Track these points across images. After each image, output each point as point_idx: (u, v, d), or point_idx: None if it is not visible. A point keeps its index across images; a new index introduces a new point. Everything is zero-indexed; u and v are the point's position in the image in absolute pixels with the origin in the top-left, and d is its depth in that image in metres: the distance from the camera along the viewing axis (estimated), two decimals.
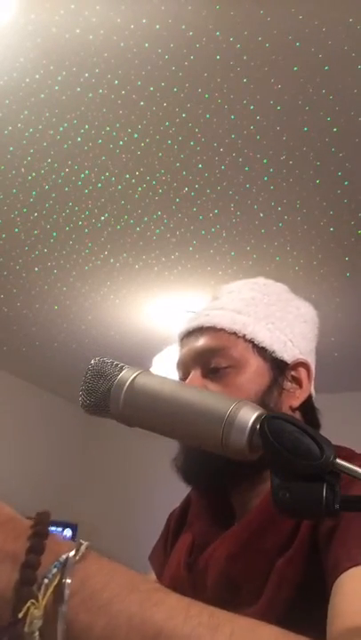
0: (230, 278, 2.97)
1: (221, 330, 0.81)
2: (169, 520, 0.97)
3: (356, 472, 0.46)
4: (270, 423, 0.50)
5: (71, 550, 0.43)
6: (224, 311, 0.83)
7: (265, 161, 2.25)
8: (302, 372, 0.83)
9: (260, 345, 0.81)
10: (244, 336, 0.80)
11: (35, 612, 0.40)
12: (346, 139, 2.12)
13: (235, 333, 0.80)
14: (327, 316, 3.34)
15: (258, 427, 0.51)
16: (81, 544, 0.44)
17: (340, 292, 3.12)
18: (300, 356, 0.84)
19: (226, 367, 0.79)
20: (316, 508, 0.46)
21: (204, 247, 2.82)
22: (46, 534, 0.43)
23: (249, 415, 0.52)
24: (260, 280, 0.89)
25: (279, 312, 0.84)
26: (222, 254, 2.86)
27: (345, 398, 4.41)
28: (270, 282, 0.89)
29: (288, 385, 0.82)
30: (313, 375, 0.84)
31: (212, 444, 0.53)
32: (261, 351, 0.81)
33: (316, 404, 0.87)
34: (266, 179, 2.35)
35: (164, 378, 0.63)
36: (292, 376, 0.83)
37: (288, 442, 0.48)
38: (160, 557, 0.92)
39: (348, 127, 2.06)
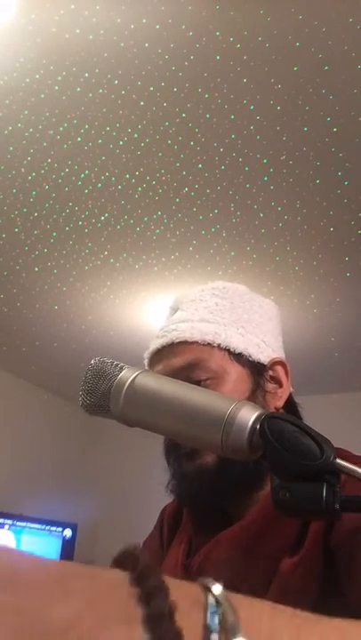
0: (230, 278, 2.97)
1: (194, 343, 0.79)
2: (162, 515, 0.96)
3: (356, 472, 0.46)
4: (270, 423, 0.50)
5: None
6: (192, 323, 0.81)
7: (265, 161, 2.25)
8: (280, 371, 0.83)
9: (236, 351, 0.80)
10: (218, 345, 0.79)
11: None
12: (346, 139, 2.12)
13: (208, 344, 0.79)
14: (327, 315, 3.34)
15: (258, 427, 0.51)
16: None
17: (340, 292, 3.12)
18: (275, 355, 0.83)
19: (206, 379, 0.78)
20: (317, 508, 0.46)
21: (204, 247, 2.82)
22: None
23: (249, 415, 0.52)
24: (219, 284, 0.87)
25: (246, 314, 0.83)
26: (222, 254, 2.86)
27: (345, 398, 4.41)
28: (229, 284, 0.88)
29: (269, 386, 0.81)
30: (290, 372, 0.84)
31: (212, 443, 0.53)
32: (238, 357, 0.80)
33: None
34: (266, 179, 2.34)
35: (164, 377, 0.63)
36: (271, 376, 0.82)
37: (288, 442, 0.48)
38: (156, 553, 0.90)
39: (348, 127, 2.06)
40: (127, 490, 4.82)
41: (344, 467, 0.47)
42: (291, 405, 0.84)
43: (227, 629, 0.28)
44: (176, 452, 0.78)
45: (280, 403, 0.81)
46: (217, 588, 0.30)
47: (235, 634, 0.28)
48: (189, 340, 0.79)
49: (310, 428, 0.49)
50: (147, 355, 0.85)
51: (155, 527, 0.96)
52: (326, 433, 0.50)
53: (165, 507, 0.97)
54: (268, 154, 2.22)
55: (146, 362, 0.85)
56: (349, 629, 0.34)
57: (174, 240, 2.77)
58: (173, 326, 0.82)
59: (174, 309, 0.88)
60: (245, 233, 2.69)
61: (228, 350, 0.79)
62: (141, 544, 0.96)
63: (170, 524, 0.92)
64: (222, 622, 0.28)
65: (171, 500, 0.94)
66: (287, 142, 2.15)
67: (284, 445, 0.48)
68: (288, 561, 0.67)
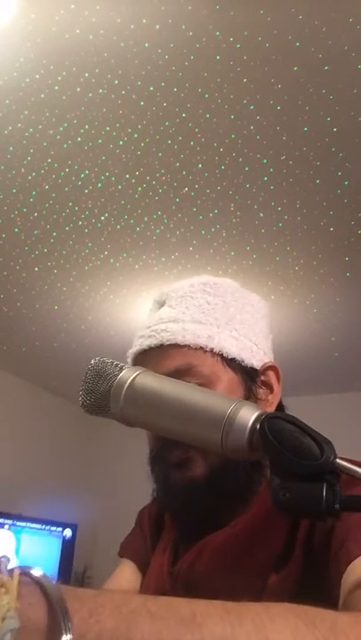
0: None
1: (185, 346, 0.74)
2: (141, 518, 0.93)
3: (356, 472, 0.46)
4: (270, 423, 0.50)
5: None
6: (183, 323, 0.76)
7: (265, 161, 2.25)
8: (272, 376, 0.80)
9: (229, 356, 0.75)
10: (211, 350, 0.75)
11: None
12: (346, 139, 2.12)
13: (201, 348, 0.75)
14: (327, 316, 3.33)
15: (258, 426, 0.51)
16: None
17: (340, 292, 3.12)
18: (266, 359, 0.80)
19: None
20: (317, 508, 0.46)
21: (204, 247, 2.81)
22: None
23: (249, 415, 0.52)
24: (209, 280, 0.82)
25: (239, 314, 0.79)
26: (222, 254, 2.86)
27: (345, 398, 4.41)
28: (220, 280, 0.83)
29: (260, 392, 0.78)
30: (281, 376, 0.80)
31: (212, 443, 0.53)
32: (230, 362, 0.76)
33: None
34: (266, 179, 2.34)
35: (164, 377, 0.63)
36: (263, 381, 0.79)
37: (288, 442, 0.48)
38: (142, 555, 0.88)
39: (348, 127, 2.06)
40: (127, 490, 4.81)
41: (344, 467, 0.47)
42: (280, 410, 0.81)
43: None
44: (164, 461, 0.75)
45: (271, 409, 0.78)
46: (37, 571, 0.36)
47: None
48: (181, 343, 0.75)
49: (311, 428, 0.49)
50: (131, 353, 0.80)
51: (134, 529, 0.93)
52: (326, 433, 0.50)
53: (143, 509, 0.94)
54: (268, 154, 2.21)
55: (129, 360, 0.81)
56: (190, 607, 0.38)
57: (174, 240, 2.77)
58: (163, 326, 0.77)
59: (160, 304, 0.83)
60: (245, 233, 2.69)
61: (220, 355, 0.76)
62: (119, 547, 0.93)
63: (152, 528, 0.89)
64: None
65: (148, 502, 0.90)
66: (287, 142, 2.15)
67: (285, 445, 0.48)
68: (275, 577, 0.66)
